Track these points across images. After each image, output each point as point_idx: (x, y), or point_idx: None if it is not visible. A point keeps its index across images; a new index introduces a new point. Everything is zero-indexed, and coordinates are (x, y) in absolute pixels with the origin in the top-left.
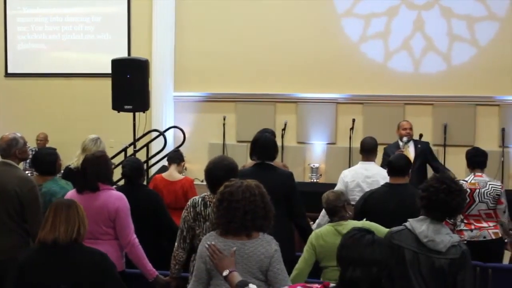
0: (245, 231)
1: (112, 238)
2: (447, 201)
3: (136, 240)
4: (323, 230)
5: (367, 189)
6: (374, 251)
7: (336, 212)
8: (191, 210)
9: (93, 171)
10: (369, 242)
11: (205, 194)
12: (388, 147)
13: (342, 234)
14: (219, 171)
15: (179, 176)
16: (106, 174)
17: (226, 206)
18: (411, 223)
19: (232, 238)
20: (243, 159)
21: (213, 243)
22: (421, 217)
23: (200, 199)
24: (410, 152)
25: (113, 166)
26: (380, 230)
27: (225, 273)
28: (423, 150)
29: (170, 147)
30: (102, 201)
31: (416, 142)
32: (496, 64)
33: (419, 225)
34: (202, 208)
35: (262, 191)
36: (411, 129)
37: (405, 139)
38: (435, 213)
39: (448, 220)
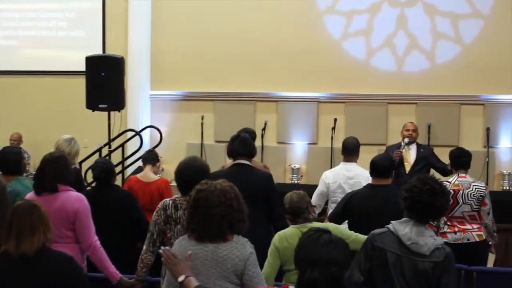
0: (222, 235)
1: (72, 241)
2: (431, 202)
3: (98, 242)
4: (287, 232)
5: (349, 191)
6: (331, 250)
7: (300, 214)
8: (162, 212)
9: (51, 171)
10: (327, 242)
11: (176, 196)
12: (389, 147)
13: None
14: (190, 172)
15: (154, 177)
16: (65, 175)
17: (202, 213)
18: (394, 225)
19: (206, 242)
20: (222, 160)
21: (167, 247)
22: (404, 219)
23: (171, 202)
24: (411, 154)
25: (74, 166)
26: (345, 233)
27: (180, 278)
28: (427, 155)
29: (146, 147)
30: (61, 203)
31: (419, 146)
32: (481, 62)
33: (402, 227)
34: (173, 211)
35: (237, 192)
36: (414, 131)
37: (406, 140)
38: (418, 214)
39: (431, 222)
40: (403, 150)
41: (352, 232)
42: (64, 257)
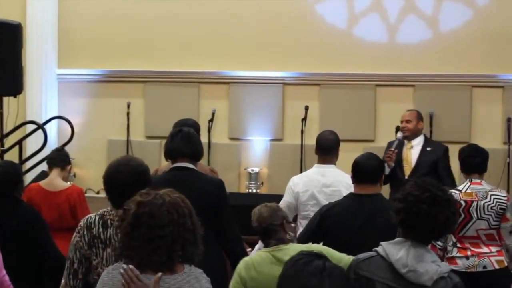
0: (170, 264)
1: None
2: (431, 214)
3: (6, 278)
4: (256, 258)
5: (325, 202)
6: (323, 282)
7: (273, 233)
8: (86, 232)
9: None
10: (318, 270)
11: (104, 210)
12: (391, 143)
13: (283, 262)
14: (124, 176)
15: (64, 185)
16: None
17: (145, 233)
18: (385, 247)
19: (148, 273)
20: (155, 161)
21: (131, 266)
22: (398, 239)
23: (97, 217)
24: (412, 154)
25: None
26: (335, 256)
27: None
28: (435, 156)
29: (52, 146)
30: None
31: (427, 143)
32: (498, 32)
33: (395, 250)
34: (100, 229)
35: (189, 206)
36: (409, 121)
37: (399, 134)
38: (416, 231)
39: (434, 243)
40: (403, 148)
41: (343, 255)
42: None
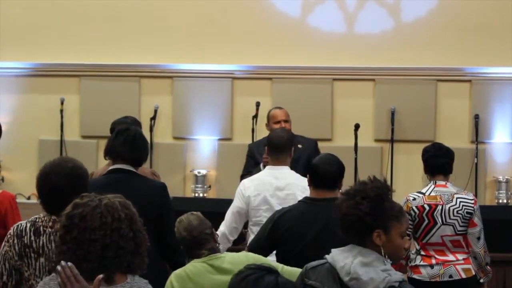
0: (105, 273)
1: None
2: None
3: None
4: (190, 269)
5: (279, 207)
6: None
7: (205, 243)
8: (16, 241)
9: None
10: (270, 287)
11: (36, 216)
12: (254, 145)
13: (222, 270)
14: (58, 178)
15: None
16: None
17: (75, 237)
18: (333, 254)
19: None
20: (92, 163)
21: (70, 263)
22: (349, 246)
23: (28, 225)
24: None
25: None
26: (286, 271)
27: None
28: (307, 153)
29: None
30: None
31: (296, 141)
32: (465, 22)
33: (342, 257)
34: (32, 238)
35: (130, 212)
36: (286, 122)
37: None
38: (350, 228)
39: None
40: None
41: (278, 265)
42: None
